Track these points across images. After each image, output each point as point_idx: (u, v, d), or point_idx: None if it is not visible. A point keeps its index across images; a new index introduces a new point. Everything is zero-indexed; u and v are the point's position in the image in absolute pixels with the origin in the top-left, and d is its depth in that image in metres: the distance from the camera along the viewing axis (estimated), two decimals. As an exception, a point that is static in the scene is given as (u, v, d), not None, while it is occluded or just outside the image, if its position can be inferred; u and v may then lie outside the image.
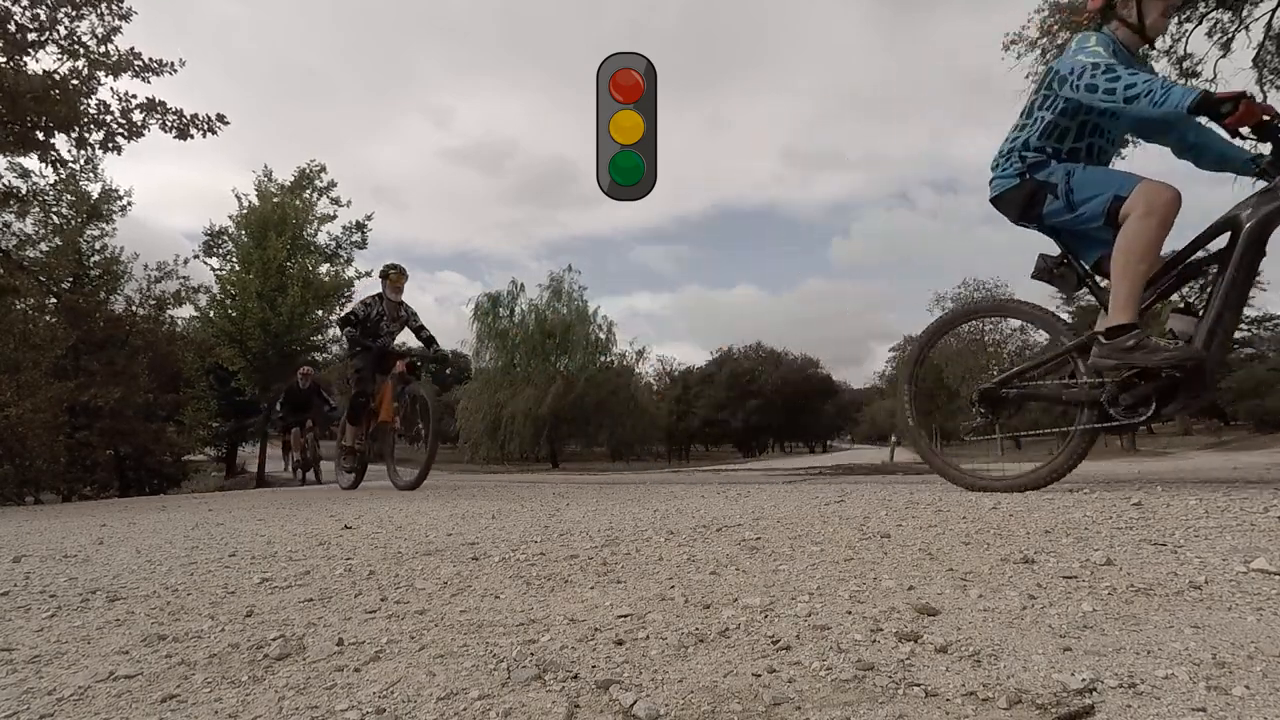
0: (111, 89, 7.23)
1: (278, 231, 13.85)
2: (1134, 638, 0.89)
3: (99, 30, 7.11)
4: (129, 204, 12.01)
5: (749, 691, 0.77)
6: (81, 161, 8.30)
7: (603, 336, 30.13)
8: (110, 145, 7.38)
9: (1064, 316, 2.89)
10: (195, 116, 7.54)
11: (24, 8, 6.74)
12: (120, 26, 7.21)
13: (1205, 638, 0.88)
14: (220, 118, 7.65)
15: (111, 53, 7.14)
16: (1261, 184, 2.41)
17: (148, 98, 7.40)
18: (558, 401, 27.36)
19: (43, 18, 6.87)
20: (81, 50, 7.06)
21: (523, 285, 30.26)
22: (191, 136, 7.53)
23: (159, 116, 7.41)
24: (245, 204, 14.59)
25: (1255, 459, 8.85)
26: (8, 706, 0.81)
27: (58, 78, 6.85)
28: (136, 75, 7.26)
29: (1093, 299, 2.68)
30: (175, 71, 7.41)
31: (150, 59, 7.29)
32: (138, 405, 10.24)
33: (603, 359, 30.21)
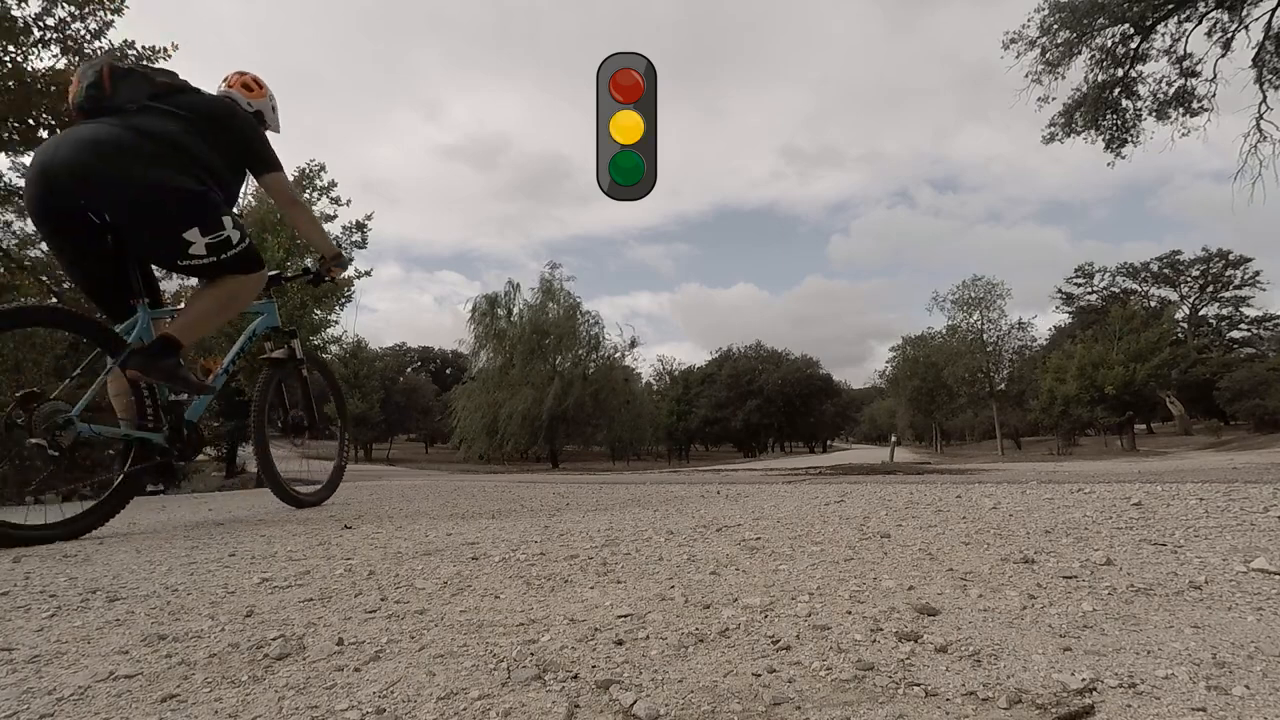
0: None
1: (274, 232, 13.84)
2: (1134, 638, 0.89)
3: (92, 25, 7.15)
4: None
5: (749, 691, 0.77)
6: None
7: (595, 332, 30.29)
8: None
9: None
10: None
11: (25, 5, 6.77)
12: (113, 21, 7.24)
13: (1205, 638, 0.88)
14: None
15: (104, 45, 7.18)
16: None
17: None
18: (555, 401, 27.43)
19: (50, 22, 6.91)
20: (74, 45, 7.09)
21: (519, 285, 30.44)
22: None
23: None
24: (243, 204, 14.58)
25: (1255, 459, 8.85)
26: (8, 706, 0.81)
27: (60, 70, 6.88)
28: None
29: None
30: (169, 57, 7.43)
31: (144, 47, 7.32)
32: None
33: (596, 354, 30.35)
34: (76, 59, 7.13)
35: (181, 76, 2.51)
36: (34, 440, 2.10)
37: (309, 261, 2.99)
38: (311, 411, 3.26)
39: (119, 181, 2.13)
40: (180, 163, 2.25)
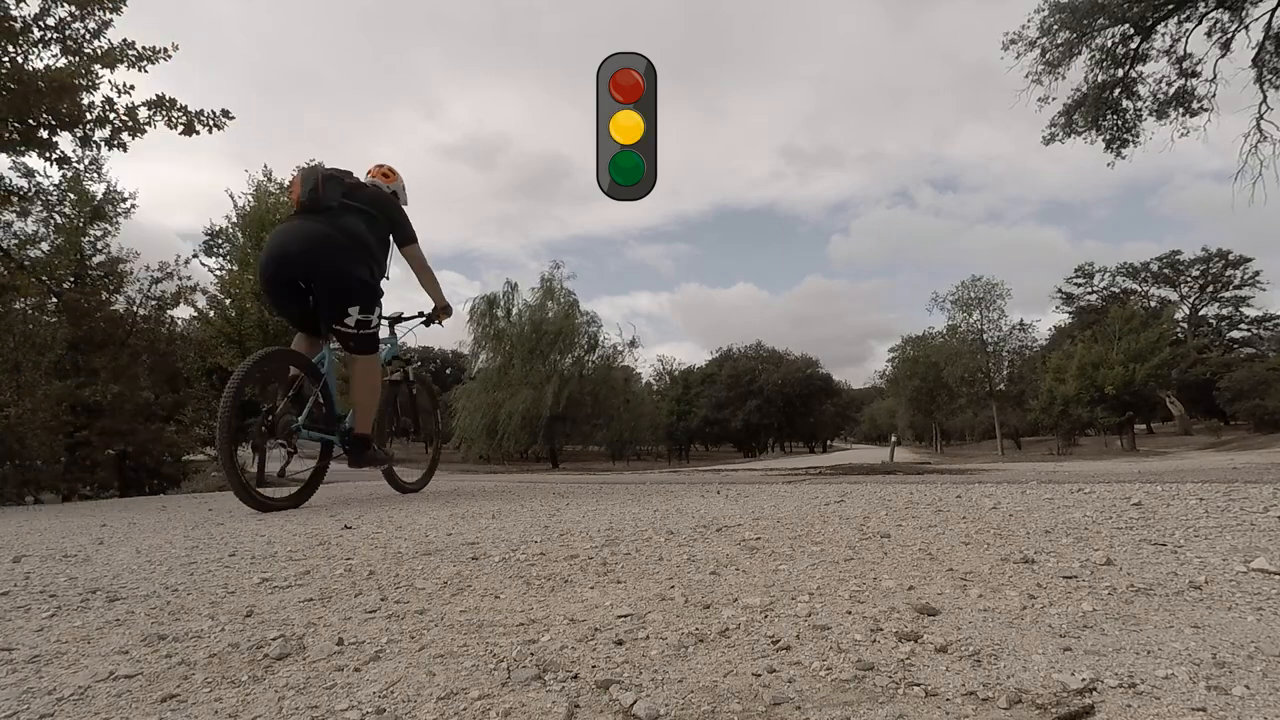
0: (110, 82, 7.26)
1: (270, 230, 13.81)
2: (1134, 638, 0.89)
3: (90, 24, 7.14)
4: (133, 206, 12.02)
5: (749, 691, 0.77)
6: (86, 161, 8.31)
7: (593, 331, 30.37)
8: (115, 143, 7.40)
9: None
10: (200, 112, 7.56)
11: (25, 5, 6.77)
12: (111, 20, 7.23)
13: (1205, 638, 0.88)
14: (225, 113, 7.66)
15: (103, 45, 7.17)
16: None
17: (156, 95, 7.44)
18: (555, 400, 27.47)
19: (50, 22, 6.91)
20: (74, 45, 7.09)
21: (516, 285, 30.49)
22: (197, 132, 7.55)
23: (165, 113, 7.43)
24: (242, 204, 14.55)
25: (1255, 459, 8.86)
26: (8, 706, 0.81)
27: (62, 71, 6.89)
28: (132, 66, 7.28)
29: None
30: (170, 58, 7.42)
31: (144, 48, 7.31)
32: (137, 404, 10.23)
33: (594, 354, 30.42)
34: (76, 59, 7.13)
35: (355, 175, 3.50)
36: (278, 441, 3.06)
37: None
38: (416, 419, 4.27)
39: (325, 269, 3.14)
40: (361, 256, 3.23)
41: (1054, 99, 12.28)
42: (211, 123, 7.59)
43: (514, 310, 30.02)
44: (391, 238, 3.53)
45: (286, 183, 14.89)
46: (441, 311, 3.91)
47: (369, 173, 3.69)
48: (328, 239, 3.14)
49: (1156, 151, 12.37)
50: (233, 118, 7.68)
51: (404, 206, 3.70)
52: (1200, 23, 11.42)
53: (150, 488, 11.48)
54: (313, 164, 3.35)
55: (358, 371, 3.38)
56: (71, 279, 10.89)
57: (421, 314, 3.95)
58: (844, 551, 1.53)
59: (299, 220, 3.24)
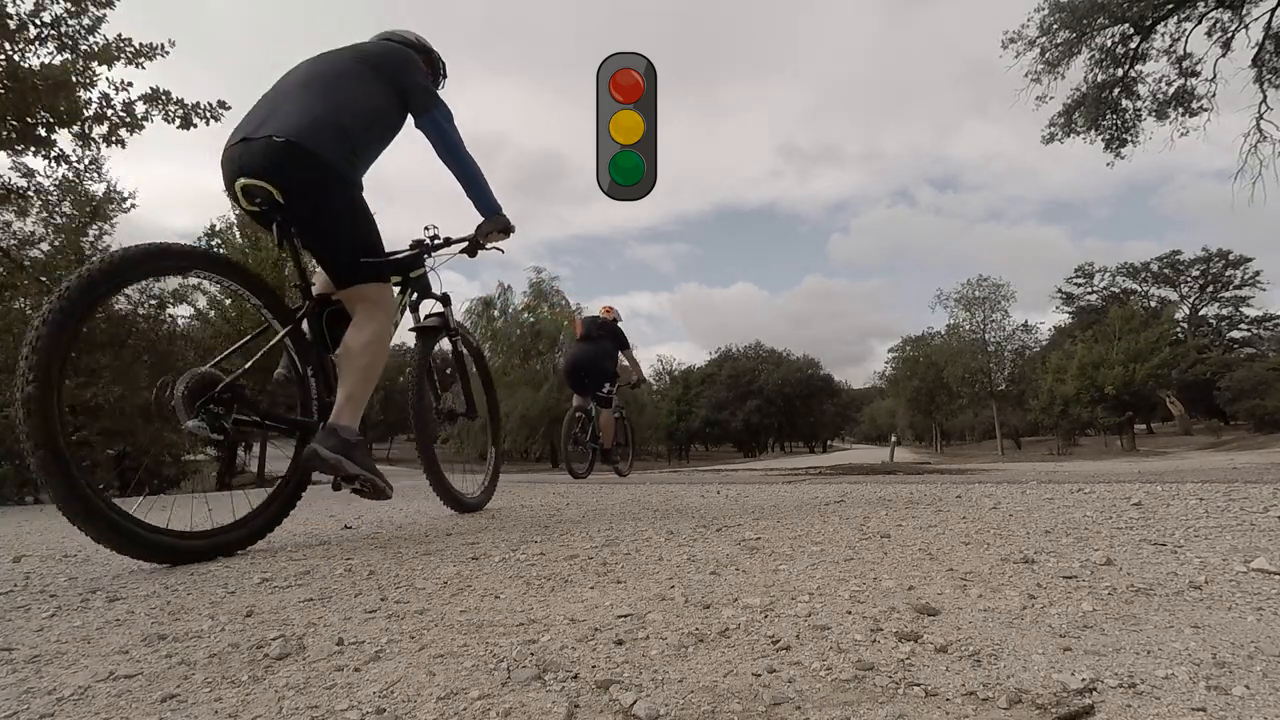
0: (108, 79, 7.26)
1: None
2: (1134, 638, 0.89)
3: (85, 20, 7.14)
4: (133, 205, 12.00)
5: (749, 691, 0.77)
6: (86, 161, 8.31)
7: (587, 333, 30.60)
8: (113, 139, 7.40)
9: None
10: (197, 105, 7.55)
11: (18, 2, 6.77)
12: (104, 15, 7.23)
13: (1205, 638, 0.88)
14: (222, 104, 7.65)
15: (99, 41, 7.17)
16: None
17: (151, 88, 7.43)
18: (552, 400, 27.56)
19: (46, 18, 6.91)
20: (70, 43, 7.09)
21: (510, 287, 30.76)
22: (194, 125, 7.55)
23: (161, 107, 7.43)
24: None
25: (1255, 459, 8.86)
26: (8, 706, 0.81)
27: (57, 68, 6.89)
28: (130, 62, 7.27)
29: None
30: (167, 54, 7.41)
31: (141, 44, 7.30)
32: (138, 405, 10.22)
33: None
34: (72, 56, 7.14)
35: (601, 316, 6.94)
36: (579, 447, 6.63)
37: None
38: (625, 439, 7.29)
39: (597, 370, 6.67)
40: (609, 361, 6.74)
41: (1053, 98, 12.30)
42: (208, 114, 7.59)
43: (509, 311, 30.18)
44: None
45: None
46: (641, 380, 7.37)
47: (605, 310, 6.95)
48: (596, 356, 6.62)
49: (1156, 151, 12.40)
50: (229, 108, 7.67)
51: (621, 321, 6.90)
52: (1200, 22, 11.43)
53: (150, 488, 11.46)
54: (591, 314, 6.69)
55: (604, 415, 6.64)
56: (71, 279, 10.86)
57: (630, 383, 7.22)
58: (844, 551, 1.53)
59: (582, 345, 6.74)
